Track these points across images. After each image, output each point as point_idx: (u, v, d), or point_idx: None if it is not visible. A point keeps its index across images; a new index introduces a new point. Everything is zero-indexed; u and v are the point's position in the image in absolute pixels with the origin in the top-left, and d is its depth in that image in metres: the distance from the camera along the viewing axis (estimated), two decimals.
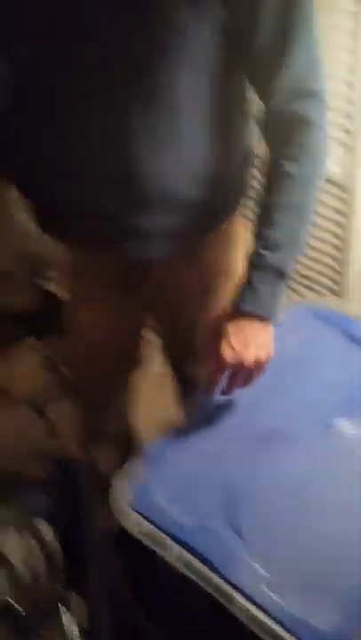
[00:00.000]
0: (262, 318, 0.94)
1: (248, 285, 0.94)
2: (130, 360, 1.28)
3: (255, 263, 0.94)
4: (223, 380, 0.97)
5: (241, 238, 1.09)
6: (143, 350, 1.28)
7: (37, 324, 1.98)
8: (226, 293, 1.01)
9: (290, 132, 0.91)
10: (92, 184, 0.95)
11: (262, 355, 0.94)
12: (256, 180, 1.03)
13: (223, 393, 0.98)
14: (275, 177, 0.93)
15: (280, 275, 0.94)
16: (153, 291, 1.13)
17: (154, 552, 0.85)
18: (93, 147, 0.92)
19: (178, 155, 0.93)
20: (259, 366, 0.95)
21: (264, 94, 0.92)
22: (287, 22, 0.85)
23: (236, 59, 0.89)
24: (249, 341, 0.93)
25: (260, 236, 0.94)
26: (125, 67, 0.86)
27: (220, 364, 0.94)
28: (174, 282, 1.11)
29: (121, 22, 0.83)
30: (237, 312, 0.94)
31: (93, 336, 1.18)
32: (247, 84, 0.95)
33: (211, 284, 1.13)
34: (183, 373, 1.25)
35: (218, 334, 0.94)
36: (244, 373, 0.95)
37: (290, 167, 0.91)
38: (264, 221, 0.94)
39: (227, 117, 0.96)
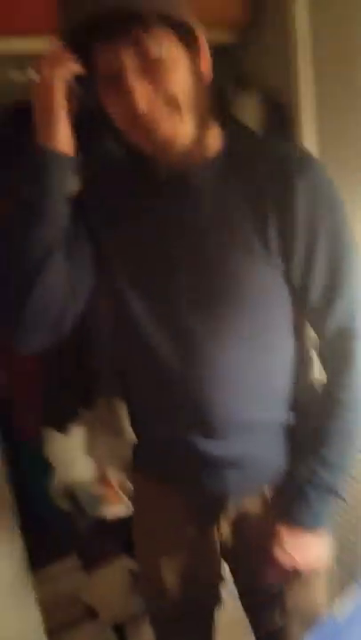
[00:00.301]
0: (313, 527, 1.01)
1: (302, 499, 1.00)
2: (204, 596, 1.21)
3: (311, 479, 1.00)
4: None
5: None
6: (219, 587, 1.21)
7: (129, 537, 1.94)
8: None
9: (337, 363, 1.00)
10: (168, 414, 1.04)
11: (311, 556, 1.03)
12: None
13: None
14: (328, 402, 1.01)
15: (333, 492, 1.01)
16: (228, 520, 1.11)
17: None
18: (175, 391, 1.01)
19: (252, 388, 1.01)
20: (308, 564, 1.03)
21: (315, 332, 1.03)
22: (335, 281, 0.96)
23: (298, 304, 1.00)
24: (298, 545, 1.01)
25: (316, 454, 1.00)
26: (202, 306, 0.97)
27: (273, 563, 1.01)
28: (251, 513, 1.09)
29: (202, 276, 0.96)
30: (289, 520, 1.01)
31: (165, 570, 1.16)
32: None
33: None
34: (261, 619, 1.16)
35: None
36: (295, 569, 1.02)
37: (339, 394, 1.00)
38: (319, 441, 1.01)
39: (299, 353, 1.04)
